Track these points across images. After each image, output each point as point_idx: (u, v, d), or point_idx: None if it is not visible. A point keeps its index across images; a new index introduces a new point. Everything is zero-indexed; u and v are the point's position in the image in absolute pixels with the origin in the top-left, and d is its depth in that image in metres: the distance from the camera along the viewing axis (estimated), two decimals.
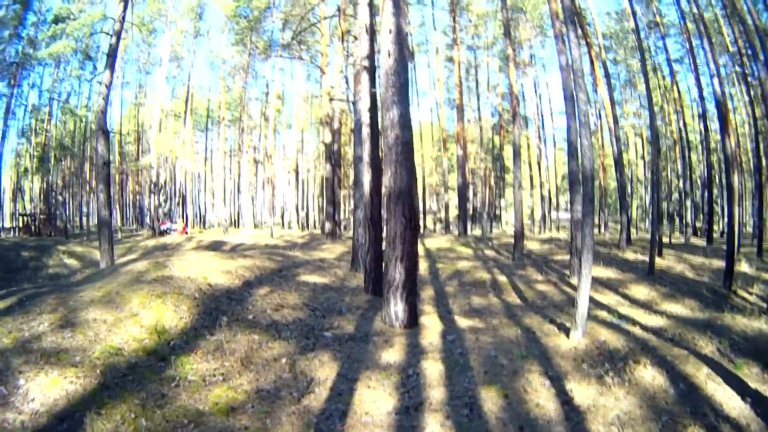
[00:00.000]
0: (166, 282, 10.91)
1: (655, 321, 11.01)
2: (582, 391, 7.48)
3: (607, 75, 31.83)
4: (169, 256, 13.56)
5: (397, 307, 10.66)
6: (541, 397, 7.34)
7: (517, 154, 22.01)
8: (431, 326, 10.93)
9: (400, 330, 10.45)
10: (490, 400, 7.28)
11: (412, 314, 10.85)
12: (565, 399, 7.28)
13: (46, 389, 6.67)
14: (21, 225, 39.18)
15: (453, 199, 47.25)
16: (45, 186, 41.33)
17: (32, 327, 8.28)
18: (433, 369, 8.35)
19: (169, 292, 10.33)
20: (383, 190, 11.53)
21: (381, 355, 9.01)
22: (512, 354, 8.89)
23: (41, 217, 39.33)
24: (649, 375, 7.82)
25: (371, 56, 14.72)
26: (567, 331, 9.77)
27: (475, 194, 51.46)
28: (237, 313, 10.33)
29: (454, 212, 46.22)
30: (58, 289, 11.13)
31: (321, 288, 13.64)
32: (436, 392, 7.54)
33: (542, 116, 49.81)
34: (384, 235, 12.60)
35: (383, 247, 12.96)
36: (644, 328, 10.27)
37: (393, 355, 9.01)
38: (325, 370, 8.32)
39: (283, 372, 8.13)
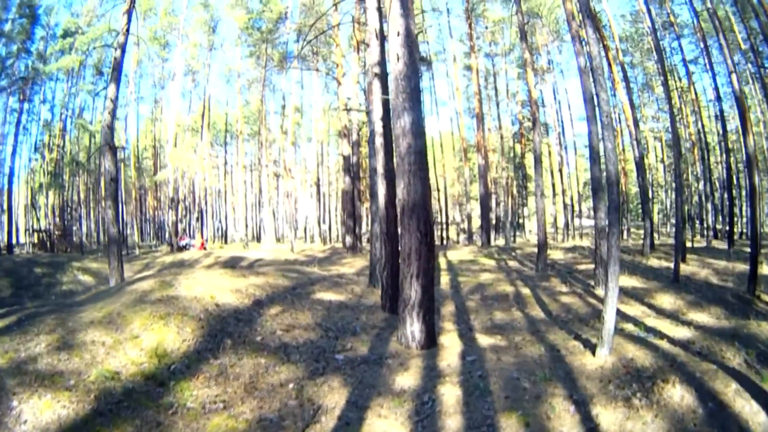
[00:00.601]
0: (171, 302, 10.51)
1: (682, 333, 10.49)
2: (608, 416, 6.93)
3: (625, 78, 31.21)
4: (177, 275, 13.13)
5: (413, 327, 10.11)
6: (565, 425, 6.78)
7: (538, 162, 21.45)
8: (450, 346, 10.36)
9: (417, 351, 9.89)
10: (510, 430, 6.73)
11: (430, 334, 10.28)
12: (590, 426, 6.72)
13: (39, 412, 6.43)
14: (36, 241, 39.34)
15: (476, 209, 46.86)
16: (60, 201, 41.43)
17: (29, 348, 7.96)
18: (450, 394, 7.80)
19: (173, 312, 9.93)
20: (397, 202, 11.02)
21: (395, 379, 8.47)
22: (535, 376, 8.32)
23: (56, 232, 39.46)
24: (677, 394, 7.25)
25: (382, 62, 14.26)
26: (593, 348, 9.19)
27: (497, 204, 50.94)
28: (244, 335, 9.89)
29: (477, 222, 45.74)
30: (59, 308, 10.78)
31: (336, 306, 13.17)
32: (452, 421, 7.00)
33: (562, 123, 49.27)
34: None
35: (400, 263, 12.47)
36: (672, 341, 9.69)
37: (408, 379, 8.47)
38: (334, 396, 7.81)
39: (289, 399, 7.65)
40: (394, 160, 10.85)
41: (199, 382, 7.92)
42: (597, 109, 11.14)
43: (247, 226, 53.94)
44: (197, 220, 50.68)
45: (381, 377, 8.59)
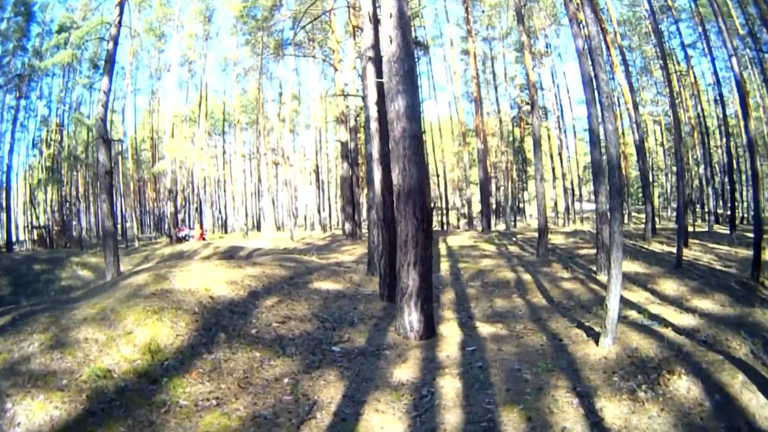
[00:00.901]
0: (165, 296, 10.26)
1: (686, 320, 10.20)
2: (613, 410, 6.67)
3: (624, 61, 31.00)
4: (172, 267, 12.90)
5: (411, 317, 9.88)
6: (569, 419, 6.52)
7: (537, 146, 21.18)
8: (450, 336, 10.15)
9: (416, 342, 9.67)
10: (511, 424, 6.47)
11: (428, 324, 10.05)
12: (594, 420, 6.45)
13: (31, 414, 6.23)
14: (35, 237, 39.32)
15: (476, 194, 46.76)
16: (59, 197, 41.38)
17: (22, 348, 7.72)
18: (449, 387, 7.57)
19: (167, 307, 9.67)
20: (393, 188, 10.74)
21: (393, 372, 8.25)
22: (537, 366, 8.09)
23: (55, 228, 39.41)
24: (684, 386, 7.00)
25: (376, 46, 13.86)
26: (596, 337, 8.94)
27: (497, 188, 50.81)
28: (239, 328, 9.66)
29: (477, 207, 45.57)
30: (53, 306, 10.54)
31: (334, 296, 12.95)
32: (451, 415, 6.76)
33: (561, 106, 49.19)
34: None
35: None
36: (677, 329, 9.43)
37: (406, 371, 8.25)
38: (330, 390, 7.59)
39: (284, 394, 7.43)
40: (390, 144, 10.54)
41: (192, 378, 7.70)
42: (596, 91, 10.89)
43: (246, 215, 53.91)
44: (196, 210, 50.51)
45: (378, 370, 8.38)
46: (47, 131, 41.35)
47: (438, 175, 48.03)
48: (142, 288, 10.78)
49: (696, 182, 42.00)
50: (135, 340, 8.40)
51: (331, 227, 52.68)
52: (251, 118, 56.85)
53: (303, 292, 12.74)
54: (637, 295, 12.82)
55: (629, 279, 14.14)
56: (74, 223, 43.04)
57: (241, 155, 53.49)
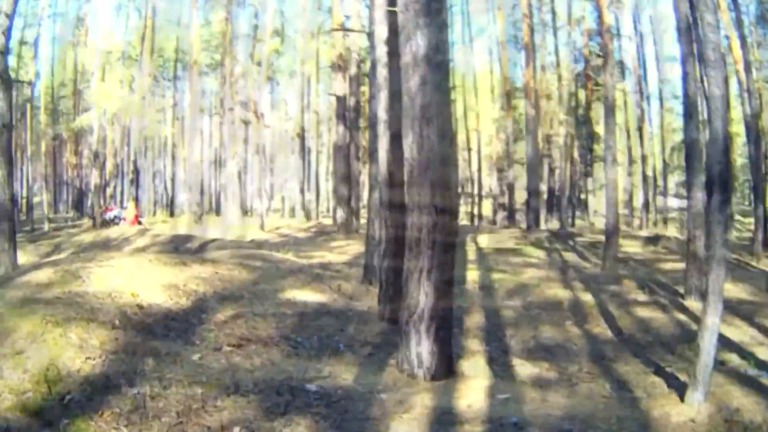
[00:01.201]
0: (74, 301, 10.14)
1: None
2: None
3: (735, 5, 30.54)
4: (88, 262, 12.82)
5: (420, 347, 9.57)
6: None
7: (610, 115, 20.95)
8: (474, 376, 9.92)
9: (425, 383, 9.37)
10: None
11: (444, 357, 9.76)
12: None
13: None
14: None
15: (521, 177, 46.42)
16: None
17: None
18: None
19: (76, 317, 9.50)
20: (404, 162, 10.43)
21: (390, 425, 7.91)
22: (597, 428, 7.80)
23: None
24: None
25: None
26: (681, 390, 8.64)
27: (551, 171, 50.58)
28: (175, 352, 9.44)
29: (522, 196, 45.36)
30: None
31: (313, 311, 12.82)
32: None
33: (644, 63, 48.60)
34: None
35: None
36: None
37: (409, 425, 7.89)
38: None
39: None
40: (403, 101, 10.19)
41: (103, 421, 7.40)
42: (696, 42, 10.60)
43: (202, 192, 53.97)
44: (132, 183, 50.47)
45: (370, 421, 8.06)
46: None
47: (470, 150, 47.99)
48: (44, 289, 10.69)
49: None
50: (27, 363, 8.18)
51: (318, 214, 52.78)
52: (215, 59, 56.58)
53: (271, 305, 12.67)
54: (740, 332, 12.61)
55: (730, 308, 13.83)
56: None
57: (199, 110, 53.42)
